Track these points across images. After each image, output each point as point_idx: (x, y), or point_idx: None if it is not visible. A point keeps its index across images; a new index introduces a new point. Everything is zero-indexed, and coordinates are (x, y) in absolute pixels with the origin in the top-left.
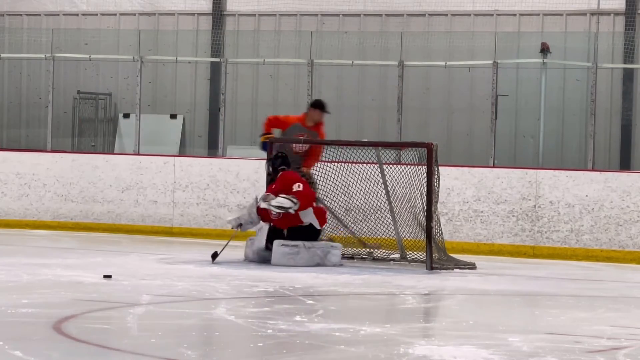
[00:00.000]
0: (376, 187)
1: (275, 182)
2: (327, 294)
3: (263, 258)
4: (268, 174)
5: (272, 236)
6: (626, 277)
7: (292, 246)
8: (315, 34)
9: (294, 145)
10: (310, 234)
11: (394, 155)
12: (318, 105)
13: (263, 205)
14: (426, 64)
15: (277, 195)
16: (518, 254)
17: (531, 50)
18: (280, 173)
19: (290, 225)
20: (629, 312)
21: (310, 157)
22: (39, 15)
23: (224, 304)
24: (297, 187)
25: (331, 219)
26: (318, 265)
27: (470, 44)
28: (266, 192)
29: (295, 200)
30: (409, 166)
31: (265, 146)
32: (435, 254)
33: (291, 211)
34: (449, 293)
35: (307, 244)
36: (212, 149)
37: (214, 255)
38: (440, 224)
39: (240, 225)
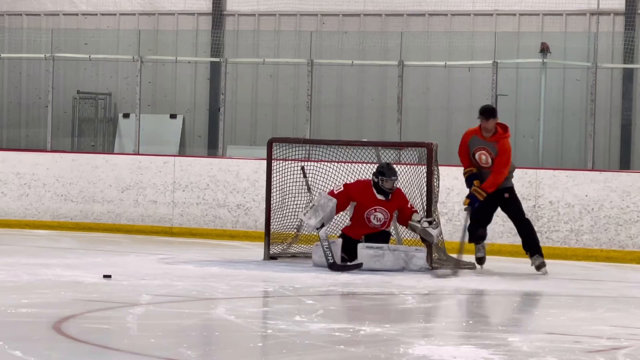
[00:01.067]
0: None
1: (393, 200)
2: (327, 294)
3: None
4: (306, 188)
5: (347, 245)
6: (626, 277)
7: (376, 248)
8: (315, 34)
9: (480, 159)
10: (385, 239)
11: (394, 155)
12: (481, 112)
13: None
14: (426, 64)
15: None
16: (518, 254)
17: (531, 50)
18: (397, 189)
19: (366, 233)
20: (629, 312)
21: (495, 174)
22: (39, 15)
23: (223, 304)
24: (411, 205)
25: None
26: (403, 269)
27: (470, 44)
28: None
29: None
30: (409, 166)
31: (471, 179)
32: (435, 254)
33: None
34: (449, 293)
35: (391, 246)
36: (212, 148)
37: (341, 268)
38: (440, 224)
39: (323, 225)
